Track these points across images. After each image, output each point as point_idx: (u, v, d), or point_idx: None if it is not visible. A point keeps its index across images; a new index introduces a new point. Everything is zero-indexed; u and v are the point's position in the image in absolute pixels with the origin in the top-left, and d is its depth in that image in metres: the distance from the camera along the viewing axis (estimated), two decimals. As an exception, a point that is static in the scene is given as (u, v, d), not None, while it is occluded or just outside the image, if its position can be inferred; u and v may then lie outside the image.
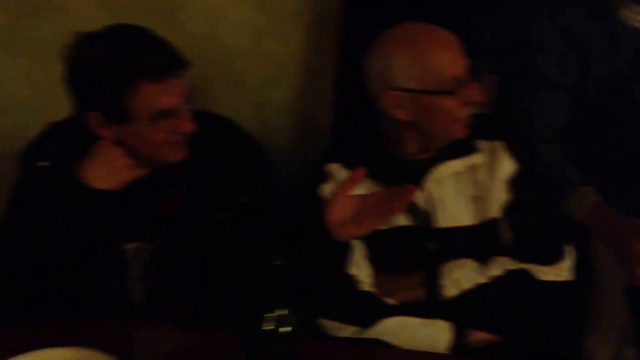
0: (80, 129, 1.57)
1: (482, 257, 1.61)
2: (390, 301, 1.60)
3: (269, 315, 1.19)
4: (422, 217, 1.63)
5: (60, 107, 1.71)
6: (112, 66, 1.48)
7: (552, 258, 1.62)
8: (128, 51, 1.49)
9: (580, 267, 1.66)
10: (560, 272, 1.62)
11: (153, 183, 1.60)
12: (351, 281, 1.59)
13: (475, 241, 1.63)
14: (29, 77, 2.34)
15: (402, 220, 1.63)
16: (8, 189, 2.29)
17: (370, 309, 1.59)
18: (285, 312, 1.20)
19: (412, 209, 1.63)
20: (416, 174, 1.64)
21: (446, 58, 1.55)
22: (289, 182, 1.83)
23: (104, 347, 1.39)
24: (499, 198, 1.63)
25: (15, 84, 2.35)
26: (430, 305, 1.58)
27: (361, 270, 1.61)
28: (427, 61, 1.55)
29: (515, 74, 1.87)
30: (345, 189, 1.47)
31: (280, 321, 1.20)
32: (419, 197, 1.63)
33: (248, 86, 2.30)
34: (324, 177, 1.69)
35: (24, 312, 1.53)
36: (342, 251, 1.52)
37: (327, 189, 1.68)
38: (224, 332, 1.51)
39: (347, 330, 1.59)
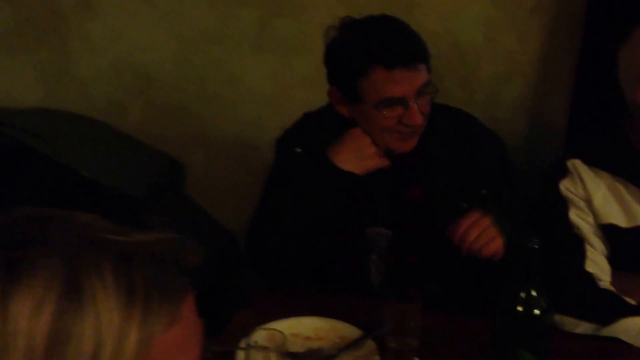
0: (331, 119, 1.69)
1: None
2: (631, 300, 1.56)
3: (522, 296, 1.22)
4: None
5: (298, 102, 1.82)
6: (353, 49, 1.59)
7: None
8: (370, 38, 1.58)
9: None
10: None
11: (397, 171, 1.68)
12: (589, 278, 1.56)
13: None
14: (271, 74, 2.50)
15: (646, 219, 1.58)
16: (248, 173, 2.48)
17: (610, 307, 1.56)
18: (537, 294, 1.22)
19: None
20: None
21: None
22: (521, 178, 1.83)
23: (348, 320, 1.51)
24: None
25: (258, 79, 2.52)
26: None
27: (599, 268, 1.59)
28: None
29: None
30: None
31: (532, 303, 1.22)
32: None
33: (479, 82, 2.30)
34: (565, 172, 1.67)
35: (282, 282, 1.68)
36: (577, 248, 1.49)
37: (566, 184, 1.67)
38: (463, 315, 1.57)
39: (584, 327, 1.57)
